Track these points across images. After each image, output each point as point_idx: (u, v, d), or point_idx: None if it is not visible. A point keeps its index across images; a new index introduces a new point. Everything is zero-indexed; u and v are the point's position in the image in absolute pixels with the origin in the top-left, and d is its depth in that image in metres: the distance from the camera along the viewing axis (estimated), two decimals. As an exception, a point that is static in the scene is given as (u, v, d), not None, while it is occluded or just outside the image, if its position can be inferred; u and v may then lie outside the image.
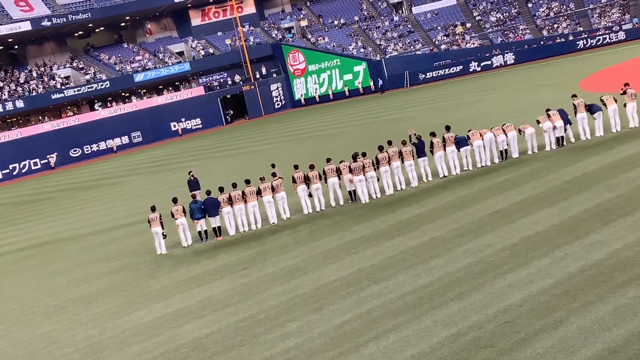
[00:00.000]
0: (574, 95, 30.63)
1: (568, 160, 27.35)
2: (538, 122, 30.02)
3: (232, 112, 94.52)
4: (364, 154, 28.74)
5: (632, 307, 13.84)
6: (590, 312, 14.00)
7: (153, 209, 28.26)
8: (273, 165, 31.40)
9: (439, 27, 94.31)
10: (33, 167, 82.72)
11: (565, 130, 30.09)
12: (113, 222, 37.80)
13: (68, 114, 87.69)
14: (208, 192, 28.85)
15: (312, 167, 29.12)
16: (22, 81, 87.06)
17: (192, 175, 34.70)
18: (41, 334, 20.77)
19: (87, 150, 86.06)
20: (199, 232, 28.54)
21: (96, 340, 19.07)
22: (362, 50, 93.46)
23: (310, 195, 29.06)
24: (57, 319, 22.05)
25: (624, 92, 30.32)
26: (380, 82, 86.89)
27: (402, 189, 29.12)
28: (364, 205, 28.07)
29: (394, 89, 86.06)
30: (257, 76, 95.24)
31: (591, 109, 30.26)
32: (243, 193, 28.22)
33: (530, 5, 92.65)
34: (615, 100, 30.18)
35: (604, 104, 30.11)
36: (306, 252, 23.28)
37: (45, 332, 20.94)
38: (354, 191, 29.07)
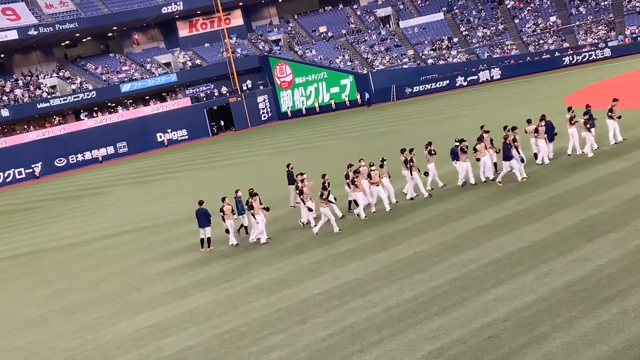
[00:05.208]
0: (570, 108, 30.55)
1: (553, 176, 27.44)
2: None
3: (222, 123, 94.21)
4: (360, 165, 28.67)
5: (616, 323, 13.88)
6: (573, 328, 14.03)
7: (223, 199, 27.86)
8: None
9: (426, 42, 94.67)
10: (17, 177, 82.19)
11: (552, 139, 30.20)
12: (98, 232, 37.59)
13: (54, 124, 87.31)
14: (200, 203, 28.36)
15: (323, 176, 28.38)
16: (7, 90, 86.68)
17: (291, 168, 34.02)
18: (22, 345, 20.60)
19: (72, 160, 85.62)
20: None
21: (78, 352, 18.94)
22: (349, 63, 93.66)
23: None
24: (39, 330, 21.88)
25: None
26: (367, 95, 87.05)
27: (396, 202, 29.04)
28: (350, 218, 27.99)
29: (381, 103, 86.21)
30: (244, 88, 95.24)
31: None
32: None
33: (517, 21, 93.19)
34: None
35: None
36: (291, 265, 23.24)
37: (26, 343, 20.77)
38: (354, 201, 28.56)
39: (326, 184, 26.82)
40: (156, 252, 29.64)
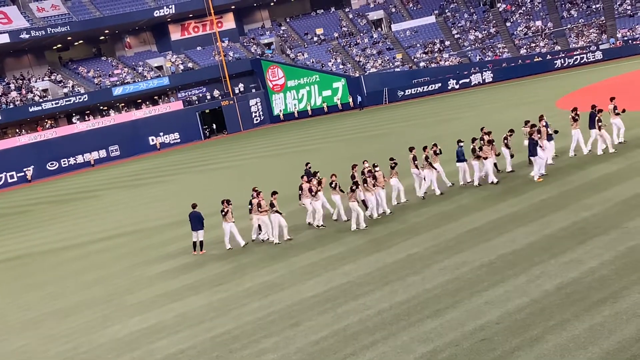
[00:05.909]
0: (574, 109, 30.55)
1: (546, 178, 27.46)
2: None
3: (214, 126, 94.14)
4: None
5: (608, 325, 13.91)
6: (566, 330, 14.06)
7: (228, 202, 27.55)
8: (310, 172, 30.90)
9: (418, 45, 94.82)
10: (9, 180, 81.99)
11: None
12: (90, 236, 37.51)
13: (45, 127, 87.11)
14: (193, 206, 28.26)
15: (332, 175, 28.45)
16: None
17: (309, 167, 33.83)
18: (14, 349, 20.53)
19: (64, 164, 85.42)
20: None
21: (70, 356, 18.88)
22: (341, 66, 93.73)
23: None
24: (31, 333, 21.81)
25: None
26: (359, 98, 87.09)
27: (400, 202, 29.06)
28: (343, 221, 27.98)
29: (373, 106, 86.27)
30: (236, 91, 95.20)
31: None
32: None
33: (508, 24, 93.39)
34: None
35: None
36: (284, 268, 23.22)
37: (18, 347, 20.69)
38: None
39: (339, 182, 27.22)
40: (149, 255, 29.59)
